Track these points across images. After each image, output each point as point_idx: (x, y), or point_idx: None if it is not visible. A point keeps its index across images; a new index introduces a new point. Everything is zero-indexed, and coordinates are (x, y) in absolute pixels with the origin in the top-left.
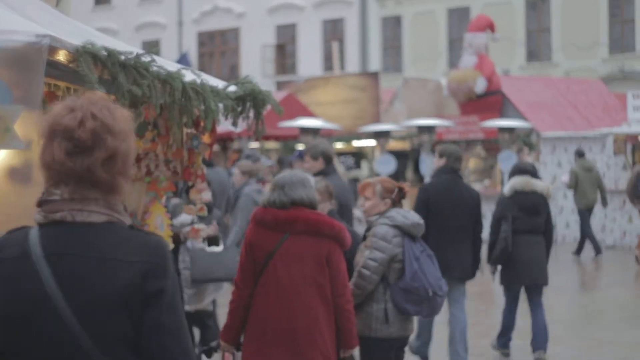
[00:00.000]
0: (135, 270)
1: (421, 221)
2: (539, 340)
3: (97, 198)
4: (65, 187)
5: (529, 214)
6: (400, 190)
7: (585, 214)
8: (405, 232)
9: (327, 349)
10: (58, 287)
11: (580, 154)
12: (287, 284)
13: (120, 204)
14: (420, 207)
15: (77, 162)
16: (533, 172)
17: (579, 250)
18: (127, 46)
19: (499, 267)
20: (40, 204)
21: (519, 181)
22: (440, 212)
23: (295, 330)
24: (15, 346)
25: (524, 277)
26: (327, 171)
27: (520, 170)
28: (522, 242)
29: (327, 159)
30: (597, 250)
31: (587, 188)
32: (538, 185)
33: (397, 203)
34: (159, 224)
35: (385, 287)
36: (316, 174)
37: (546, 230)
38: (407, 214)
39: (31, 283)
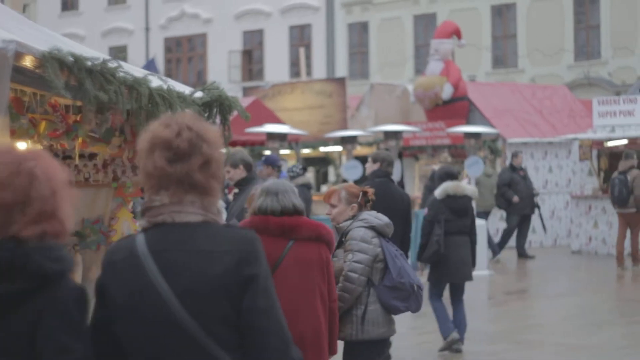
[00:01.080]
0: (229, 258)
1: (390, 221)
2: (460, 332)
3: (194, 201)
4: (165, 192)
5: (459, 216)
6: (365, 194)
7: (482, 216)
8: (379, 232)
9: (328, 355)
10: (162, 278)
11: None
12: (295, 290)
13: (214, 206)
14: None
15: (176, 167)
16: (457, 177)
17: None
18: (94, 52)
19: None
20: (144, 211)
21: (451, 185)
22: None
23: (304, 337)
24: (131, 330)
25: (454, 275)
26: (249, 178)
27: (451, 175)
28: (453, 243)
29: (248, 167)
30: (494, 252)
31: (485, 193)
32: (468, 189)
33: (363, 207)
34: (125, 229)
35: (369, 289)
36: (238, 182)
37: (471, 231)
38: (378, 215)
39: (139, 277)
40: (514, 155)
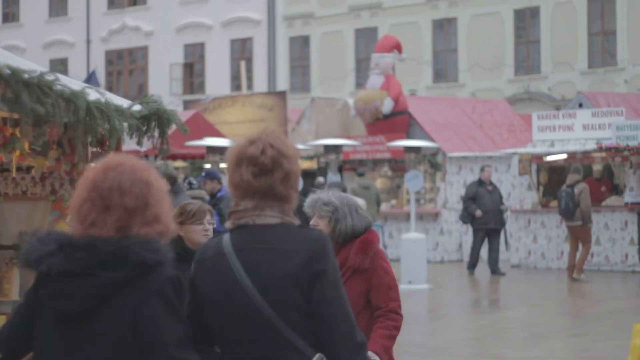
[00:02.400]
0: (302, 256)
1: None
2: None
3: (273, 206)
4: (250, 200)
5: None
6: None
7: None
8: None
9: None
10: (245, 274)
11: (359, 174)
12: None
13: (291, 210)
14: None
15: (261, 181)
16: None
17: None
18: (32, 64)
19: None
20: (230, 215)
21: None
22: None
23: None
24: (217, 319)
25: None
26: (174, 191)
27: (341, 188)
28: None
29: (172, 180)
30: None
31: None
32: (359, 202)
33: None
34: None
35: None
36: None
37: None
38: None
39: (225, 272)
40: (481, 169)
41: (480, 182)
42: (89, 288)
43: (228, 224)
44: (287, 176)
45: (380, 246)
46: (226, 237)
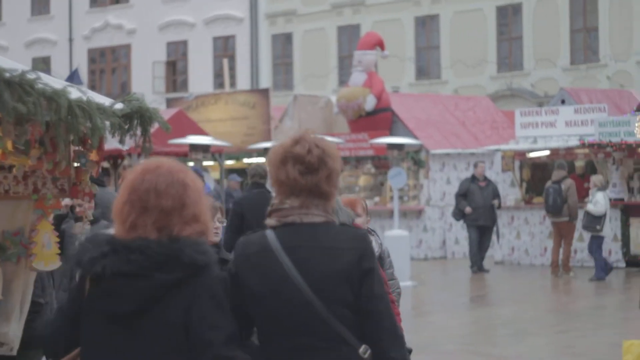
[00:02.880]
0: (352, 254)
1: None
2: None
3: (318, 204)
4: (295, 198)
5: None
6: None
7: None
8: None
9: None
10: (296, 270)
11: None
12: None
13: (331, 208)
14: (234, 217)
15: (307, 179)
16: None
17: None
18: (14, 63)
19: None
20: (272, 212)
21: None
22: (251, 221)
23: None
24: (262, 313)
25: None
26: None
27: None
28: None
29: None
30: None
31: None
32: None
33: None
34: (46, 241)
35: None
36: None
37: None
38: None
39: (274, 268)
40: (475, 165)
41: (472, 178)
42: (143, 289)
43: (271, 221)
44: (331, 175)
45: None
46: (270, 234)
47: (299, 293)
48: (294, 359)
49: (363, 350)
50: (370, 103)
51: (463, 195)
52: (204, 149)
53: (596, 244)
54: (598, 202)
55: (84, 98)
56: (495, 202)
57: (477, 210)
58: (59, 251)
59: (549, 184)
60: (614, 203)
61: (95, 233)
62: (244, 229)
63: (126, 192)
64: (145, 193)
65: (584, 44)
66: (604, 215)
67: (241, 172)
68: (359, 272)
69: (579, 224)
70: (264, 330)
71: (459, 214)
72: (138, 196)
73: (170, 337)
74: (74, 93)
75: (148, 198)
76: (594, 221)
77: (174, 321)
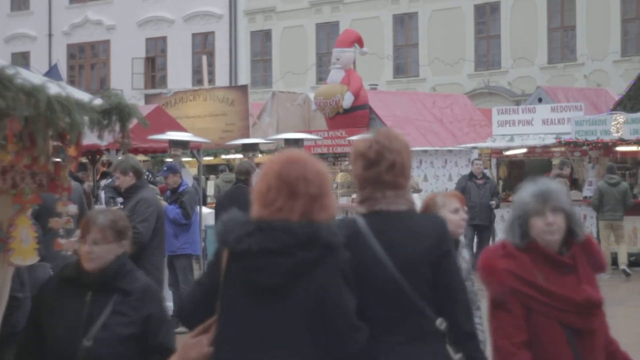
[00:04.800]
0: (433, 236)
1: None
2: None
3: (400, 194)
4: (365, 189)
5: None
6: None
7: None
8: None
9: None
10: (384, 251)
11: (221, 170)
12: None
13: (410, 196)
14: (220, 210)
15: (369, 172)
16: None
17: None
18: None
19: None
20: (362, 202)
21: None
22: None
23: None
24: (359, 289)
25: None
26: (139, 185)
27: None
28: None
29: (137, 173)
30: None
31: None
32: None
33: None
34: (24, 236)
35: None
36: (128, 189)
37: None
38: None
39: (365, 249)
40: (472, 162)
41: (470, 176)
42: (287, 265)
43: (361, 209)
44: (392, 166)
45: None
46: (360, 220)
47: (387, 271)
48: (385, 329)
49: (439, 322)
50: (348, 100)
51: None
52: (184, 145)
53: None
54: None
55: (63, 93)
56: (493, 202)
57: (473, 209)
58: (37, 246)
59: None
60: (589, 201)
61: (240, 214)
62: None
63: (272, 179)
64: (295, 181)
65: (562, 42)
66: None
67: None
68: (439, 253)
69: None
70: (358, 304)
71: None
72: (287, 183)
73: (310, 310)
74: (53, 88)
75: (298, 185)
76: None
77: (314, 295)
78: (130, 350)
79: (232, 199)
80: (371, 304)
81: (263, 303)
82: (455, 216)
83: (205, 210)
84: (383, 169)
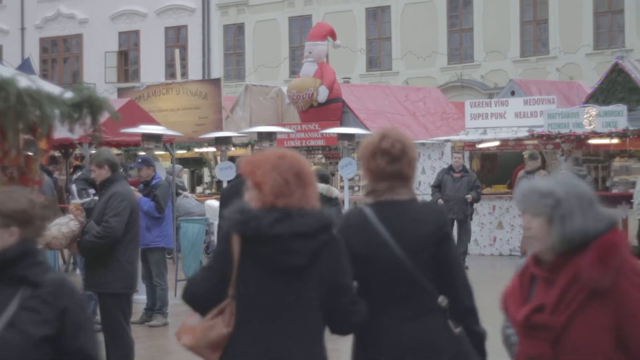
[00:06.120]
0: (433, 223)
1: None
2: None
3: (403, 185)
4: (384, 182)
5: None
6: None
7: None
8: None
9: None
10: (391, 236)
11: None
12: None
13: (413, 187)
14: (224, 203)
15: (393, 167)
16: (328, 180)
17: None
18: None
19: None
20: (369, 193)
21: (324, 187)
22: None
23: None
24: (365, 269)
25: None
26: (114, 178)
27: (324, 178)
28: None
29: (113, 166)
30: None
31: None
32: (334, 191)
33: None
34: None
35: None
36: (103, 182)
37: None
38: None
39: (374, 235)
40: (452, 155)
41: (449, 169)
42: (312, 246)
43: (368, 200)
44: (411, 162)
45: None
46: (367, 209)
47: (394, 254)
48: (392, 306)
49: (441, 299)
50: (323, 94)
51: (437, 186)
52: (157, 138)
53: None
54: None
55: (34, 87)
56: (468, 196)
57: (448, 203)
58: None
59: (522, 173)
60: None
61: (241, 205)
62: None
63: (289, 174)
64: (309, 175)
65: (534, 36)
66: None
67: (192, 161)
68: (439, 236)
69: None
70: (364, 282)
71: None
72: (300, 176)
73: (322, 285)
74: (23, 81)
75: (308, 177)
76: None
77: (326, 273)
78: (44, 356)
79: (238, 191)
80: (380, 283)
81: (287, 283)
82: None
83: (214, 203)
84: (405, 164)
